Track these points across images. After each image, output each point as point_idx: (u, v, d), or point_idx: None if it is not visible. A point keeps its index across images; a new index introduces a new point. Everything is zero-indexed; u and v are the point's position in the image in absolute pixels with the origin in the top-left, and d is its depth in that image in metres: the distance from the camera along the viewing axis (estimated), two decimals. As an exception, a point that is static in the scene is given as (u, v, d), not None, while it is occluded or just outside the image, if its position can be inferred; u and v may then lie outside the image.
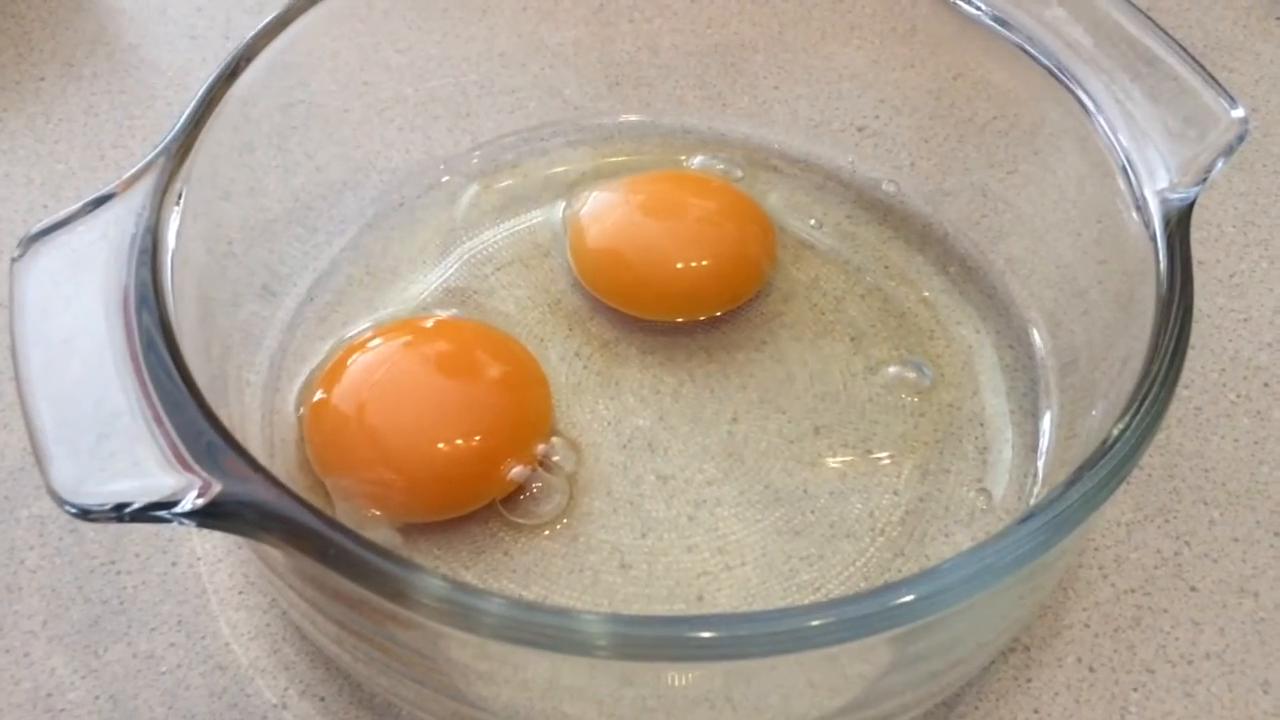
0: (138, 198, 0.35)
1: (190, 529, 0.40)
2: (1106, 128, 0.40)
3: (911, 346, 0.45)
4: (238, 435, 0.32)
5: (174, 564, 0.40)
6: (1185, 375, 0.45)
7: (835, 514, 0.41)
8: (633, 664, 0.30)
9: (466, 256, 0.48)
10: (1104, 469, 0.32)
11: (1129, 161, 0.39)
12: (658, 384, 0.44)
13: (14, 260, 0.34)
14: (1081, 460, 0.33)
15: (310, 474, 0.40)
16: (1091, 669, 0.39)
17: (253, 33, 0.41)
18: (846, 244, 0.49)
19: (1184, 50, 0.40)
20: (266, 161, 0.45)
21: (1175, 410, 0.45)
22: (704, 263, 0.45)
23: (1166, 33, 0.41)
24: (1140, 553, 0.42)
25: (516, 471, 0.40)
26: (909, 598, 0.29)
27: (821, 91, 0.52)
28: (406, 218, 0.49)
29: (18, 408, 0.32)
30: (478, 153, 0.51)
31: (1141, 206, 0.38)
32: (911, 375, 0.44)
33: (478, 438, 0.39)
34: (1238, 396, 0.46)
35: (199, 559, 0.41)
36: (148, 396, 0.31)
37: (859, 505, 0.41)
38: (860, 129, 0.52)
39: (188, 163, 0.37)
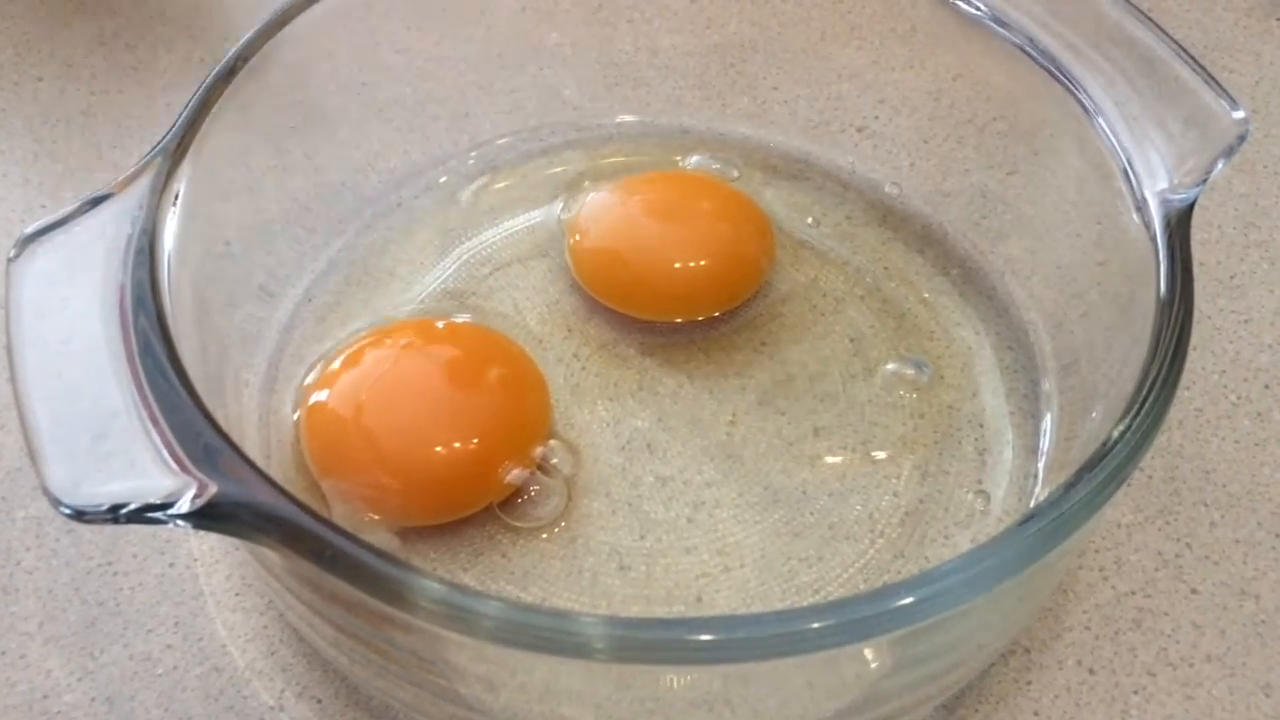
0: (134, 198, 0.35)
1: (187, 530, 0.40)
2: (1107, 128, 0.40)
3: (911, 347, 0.45)
4: (235, 436, 0.32)
5: (171, 565, 0.40)
6: (1186, 377, 0.45)
7: (835, 515, 0.41)
8: (631, 667, 0.30)
9: (464, 258, 0.47)
10: (1104, 471, 0.32)
11: (1129, 162, 0.39)
12: (656, 385, 0.44)
13: (10, 260, 0.34)
14: (1081, 462, 0.33)
15: (307, 476, 0.40)
16: (1092, 671, 0.39)
17: (250, 33, 0.41)
18: (846, 245, 0.49)
19: (1184, 51, 0.40)
20: (264, 162, 0.45)
21: (1176, 412, 0.45)
22: (703, 262, 0.45)
23: (1167, 33, 0.41)
24: (1141, 555, 0.42)
25: (514, 475, 0.39)
26: (908, 600, 0.29)
27: (821, 92, 0.52)
28: (404, 219, 0.49)
29: (14, 409, 0.32)
30: (475, 153, 0.51)
31: (1142, 207, 0.38)
32: (910, 372, 0.44)
33: (475, 441, 0.39)
34: (1238, 398, 0.46)
35: (196, 560, 0.40)
36: (144, 397, 0.31)
37: (858, 507, 0.41)
38: (860, 129, 0.52)
39: (185, 163, 0.37)
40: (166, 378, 0.31)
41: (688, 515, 0.40)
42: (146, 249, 0.34)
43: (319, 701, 0.38)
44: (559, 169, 0.51)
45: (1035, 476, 0.42)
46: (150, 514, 0.30)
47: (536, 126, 0.52)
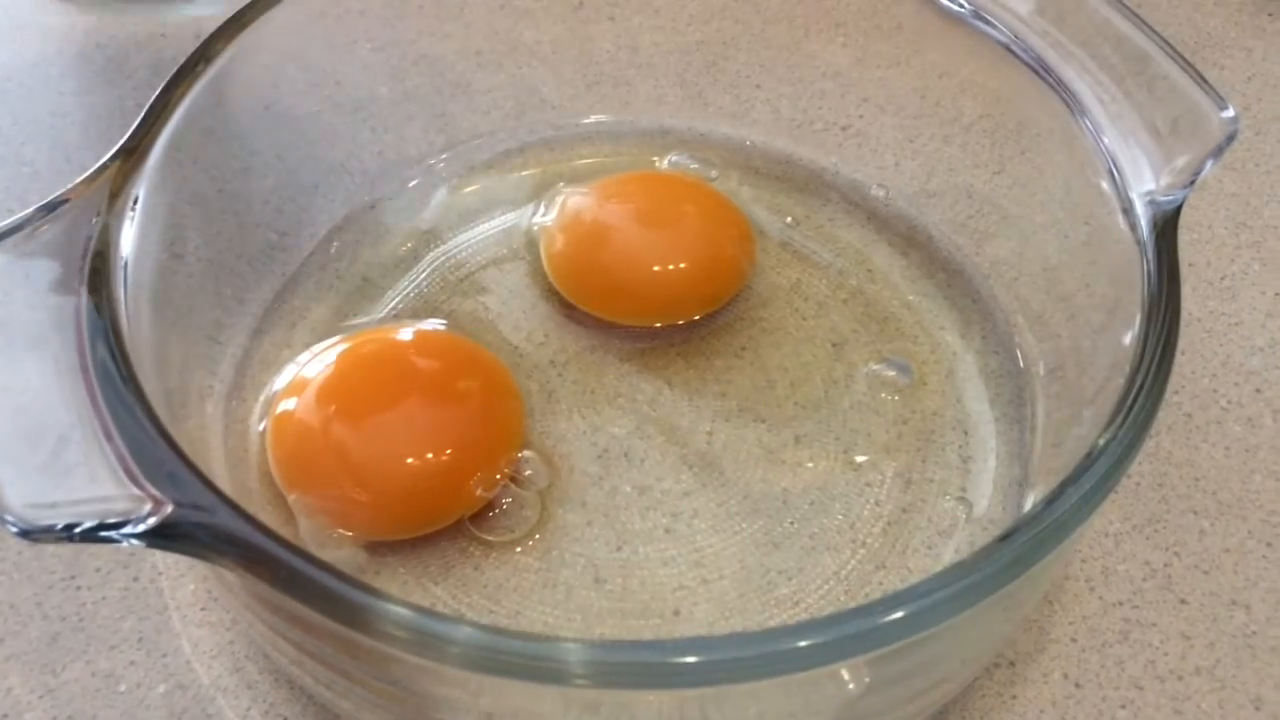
0: (93, 202, 0.34)
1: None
2: (1093, 128, 0.39)
3: (895, 351, 0.44)
4: (197, 448, 0.31)
5: (135, 579, 0.39)
6: (1175, 381, 0.44)
7: (815, 525, 0.40)
8: (608, 692, 0.29)
9: (438, 261, 0.46)
10: (1090, 481, 0.31)
11: (1115, 163, 0.38)
12: (634, 392, 0.43)
13: (-37, 268, 0.33)
14: (1068, 469, 0.32)
15: (273, 488, 0.39)
16: (1078, 685, 0.38)
17: (214, 29, 0.40)
18: (828, 247, 0.48)
19: (1173, 49, 0.39)
20: (234, 164, 0.44)
21: (1164, 417, 0.44)
22: (682, 266, 0.44)
23: (1155, 31, 0.40)
24: (1128, 564, 0.41)
25: (485, 488, 0.38)
26: (893, 617, 0.28)
27: (804, 90, 0.51)
28: (378, 220, 0.48)
29: (-36, 422, 0.31)
30: (451, 153, 0.50)
31: (1128, 209, 0.37)
32: (892, 374, 0.43)
33: (445, 453, 0.38)
34: (1229, 403, 0.45)
35: (161, 574, 0.39)
36: (99, 413, 0.30)
37: (840, 516, 0.40)
38: (844, 129, 0.51)
39: (145, 166, 0.36)
40: (120, 394, 0.30)
41: (665, 526, 0.40)
42: (101, 258, 0.33)
43: (285, 719, 0.37)
44: (535, 170, 0.50)
45: (1020, 484, 0.41)
46: (104, 533, 0.29)
47: (514, 126, 0.51)
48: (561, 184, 0.49)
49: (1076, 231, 0.42)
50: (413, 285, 0.46)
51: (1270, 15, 0.59)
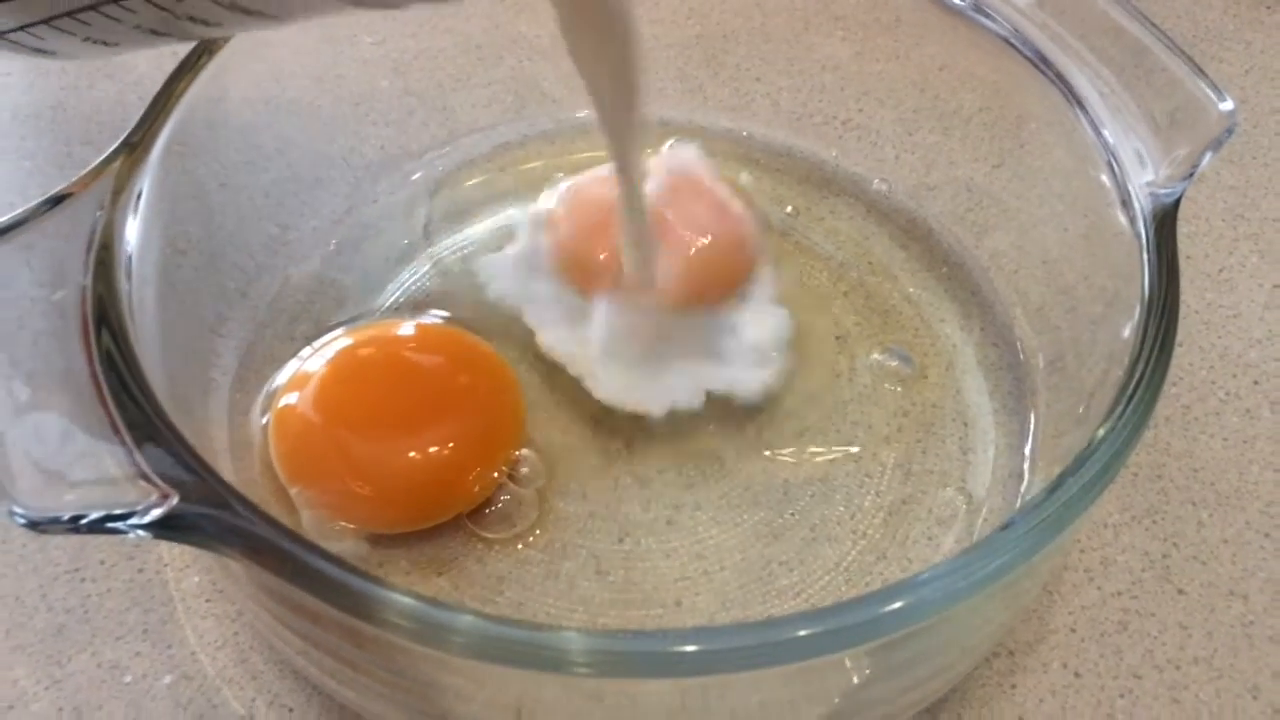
0: (95, 197, 0.34)
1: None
2: (1092, 121, 0.40)
3: (896, 343, 0.44)
4: (201, 440, 0.31)
5: (140, 571, 0.40)
6: (1173, 373, 0.45)
7: (816, 516, 0.40)
8: (610, 681, 0.29)
9: (440, 254, 0.47)
10: (1088, 472, 0.31)
11: (1114, 155, 0.39)
12: (636, 384, 0.43)
13: (-32, 262, 0.33)
14: (1067, 460, 0.32)
15: (275, 480, 0.39)
16: (1077, 674, 0.38)
17: (217, 26, 0.40)
18: (829, 240, 0.48)
19: (1172, 42, 0.39)
20: (237, 158, 0.44)
21: (1163, 408, 0.44)
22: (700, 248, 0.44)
23: (1154, 24, 0.40)
24: (1127, 555, 0.41)
25: (484, 485, 0.39)
26: (893, 607, 0.29)
27: (804, 84, 0.51)
28: (380, 214, 0.48)
29: (-29, 416, 0.31)
30: (451, 146, 0.50)
31: (1127, 201, 0.38)
32: (894, 364, 0.44)
33: (447, 448, 0.38)
34: (1227, 394, 0.45)
35: (166, 566, 0.40)
36: (104, 405, 0.30)
37: (840, 507, 0.40)
38: (844, 122, 0.51)
39: (148, 160, 0.36)
40: (126, 386, 0.30)
41: (667, 517, 0.40)
42: (105, 252, 0.33)
43: (290, 710, 0.37)
44: (536, 163, 0.50)
45: (1019, 475, 0.41)
46: (111, 524, 0.29)
47: (514, 119, 0.51)
48: (559, 174, 0.48)
49: (1076, 224, 0.42)
50: (414, 278, 0.46)
51: (1268, 8, 0.60)
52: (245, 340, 0.43)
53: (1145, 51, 0.40)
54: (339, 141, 0.48)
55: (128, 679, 0.37)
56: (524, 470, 0.40)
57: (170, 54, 0.55)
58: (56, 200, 0.34)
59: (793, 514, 0.40)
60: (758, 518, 0.40)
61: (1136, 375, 0.33)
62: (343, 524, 0.38)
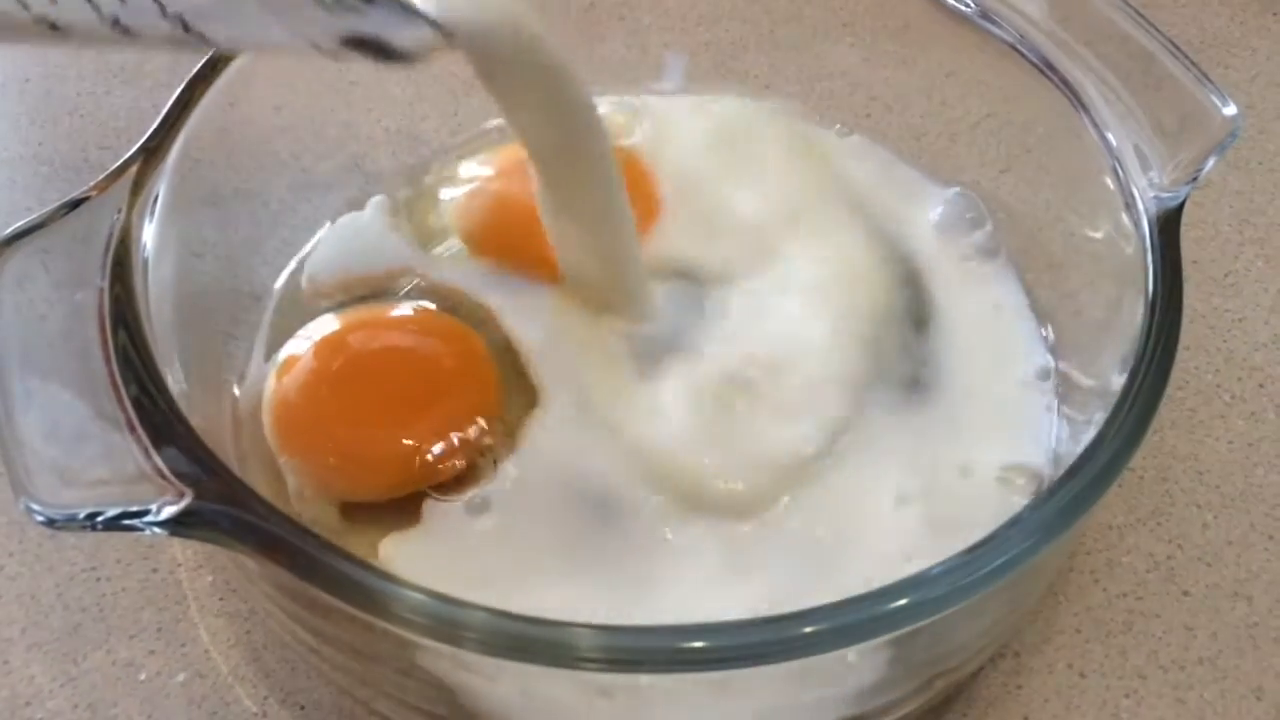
0: (112, 200, 0.35)
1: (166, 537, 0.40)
2: (1098, 126, 0.40)
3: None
4: (215, 438, 0.31)
5: (154, 570, 0.40)
6: (1179, 376, 0.45)
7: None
8: (620, 675, 0.30)
9: (451, 253, 0.47)
10: (1092, 474, 0.31)
11: (1119, 160, 0.39)
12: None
13: (-11, 264, 0.34)
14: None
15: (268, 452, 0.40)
16: (1082, 675, 0.39)
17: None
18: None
19: (1176, 47, 0.40)
20: (251, 163, 0.44)
21: (1169, 412, 0.45)
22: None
23: (1159, 29, 0.40)
24: (1132, 556, 0.41)
25: (448, 455, 0.39)
26: (894, 605, 0.29)
27: (812, 90, 0.51)
28: (392, 217, 0.48)
29: (-10, 415, 0.32)
30: (463, 151, 0.50)
31: (1131, 205, 0.38)
32: None
33: (407, 423, 0.39)
34: (1232, 398, 0.45)
35: (180, 565, 0.40)
36: (121, 404, 0.31)
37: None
38: (851, 128, 0.51)
39: (164, 165, 0.37)
40: (142, 384, 0.31)
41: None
42: (123, 252, 0.34)
43: (302, 708, 0.37)
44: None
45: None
46: (127, 521, 0.29)
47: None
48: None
49: (1081, 228, 0.43)
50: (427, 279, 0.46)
51: (1275, 15, 0.60)
52: (259, 342, 0.44)
53: (1150, 57, 0.40)
54: (350, 147, 0.49)
55: (142, 676, 0.38)
56: (486, 441, 0.39)
57: (186, 61, 0.56)
58: (74, 204, 0.35)
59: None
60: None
61: (1140, 378, 0.33)
62: (321, 492, 0.39)
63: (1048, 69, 0.42)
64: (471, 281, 0.44)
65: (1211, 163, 0.38)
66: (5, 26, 0.29)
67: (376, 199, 0.47)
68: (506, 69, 0.35)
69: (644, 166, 0.46)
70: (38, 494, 0.30)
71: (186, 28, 0.29)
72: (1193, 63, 0.39)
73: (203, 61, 0.39)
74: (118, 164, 0.36)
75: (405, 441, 0.38)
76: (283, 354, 0.42)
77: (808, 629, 0.28)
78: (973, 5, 0.44)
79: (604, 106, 0.48)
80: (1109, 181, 0.39)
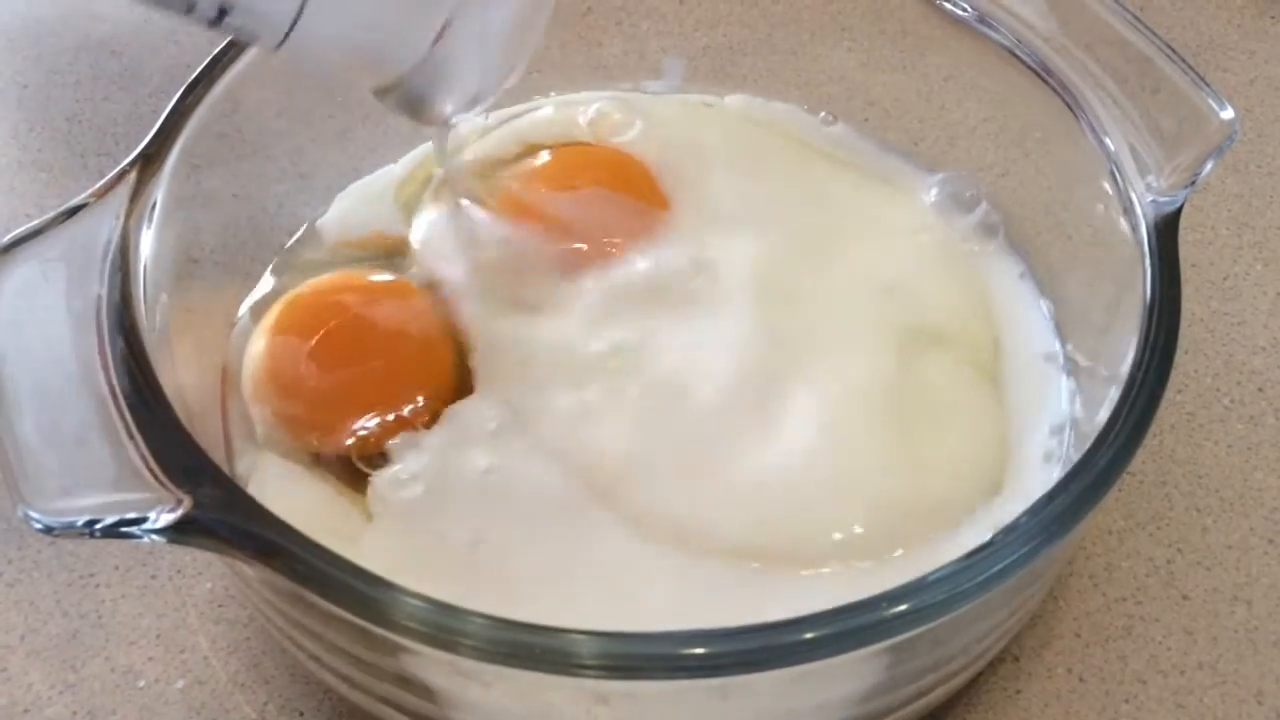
0: (111, 206, 0.35)
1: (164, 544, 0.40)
2: (1095, 130, 0.40)
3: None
4: (213, 444, 0.31)
5: (153, 577, 0.40)
6: (1178, 380, 0.45)
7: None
8: (618, 682, 0.30)
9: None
10: (1090, 478, 0.31)
11: (1117, 163, 0.39)
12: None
13: (-13, 271, 0.34)
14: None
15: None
16: (1082, 679, 0.39)
17: (230, 37, 0.41)
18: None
19: (1174, 51, 0.40)
20: (249, 169, 0.44)
21: (1167, 415, 0.45)
22: None
23: (1156, 33, 0.40)
24: (1132, 561, 0.41)
25: (377, 424, 0.39)
26: (893, 611, 0.29)
27: (810, 95, 0.51)
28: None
29: (-11, 422, 0.32)
30: (462, 158, 0.50)
31: (1129, 209, 0.38)
32: None
33: (349, 380, 0.40)
34: (1231, 401, 0.45)
35: (179, 572, 0.40)
36: (119, 411, 0.31)
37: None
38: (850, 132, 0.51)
39: (163, 170, 0.37)
40: (140, 392, 0.31)
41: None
42: (120, 259, 0.34)
43: (301, 714, 0.37)
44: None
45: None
46: (125, 529, 0.29)
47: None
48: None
49: (1079, 232, 0.43)
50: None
51: (1272, 18, 0.60)
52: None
53: (1148, 62, 0.40)
54: (349, 152, 0.49)
55: (141, 684, 0.38)
56: (425, 418, 0.39)
57: (184, 66, 0.56)
58: (73, 210, 0.35)
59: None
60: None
61: (1139, 382, 0.33)
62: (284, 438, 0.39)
63: (1045, 73, 0.42)
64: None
65: (1210, 166, 0.38)
66: None
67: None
68: None
69: (644, 166, 0.47)
70: (36, 501, 0.30)
71: None
72: (1190, 66, 0.39)
73: (201, 67, 0.39)
74: (116, 170, 0.36)
75: (346, 405, 0.39)
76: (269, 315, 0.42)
77: (806, 635, 0.28)
78: (970, 9, 0.44)
79: (598, 102, 0.49)
80: (1107, 185, 0.39)
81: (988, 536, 0.31)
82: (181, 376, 0.36)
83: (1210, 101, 0.38)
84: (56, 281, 0.34)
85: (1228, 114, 0.38)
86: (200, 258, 0.41)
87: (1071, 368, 0.42)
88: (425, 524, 0.37)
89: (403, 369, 0.41)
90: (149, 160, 0.36)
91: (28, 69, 0.56)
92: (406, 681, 0.32)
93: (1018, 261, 0.45)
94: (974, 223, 0.45)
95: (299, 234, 0.46)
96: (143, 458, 0.30)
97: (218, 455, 0.38)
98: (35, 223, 0.35)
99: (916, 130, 0.50)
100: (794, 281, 0.43)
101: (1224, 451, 0.44)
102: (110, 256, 0.34)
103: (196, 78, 0.39)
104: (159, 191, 0.36)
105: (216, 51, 0.40)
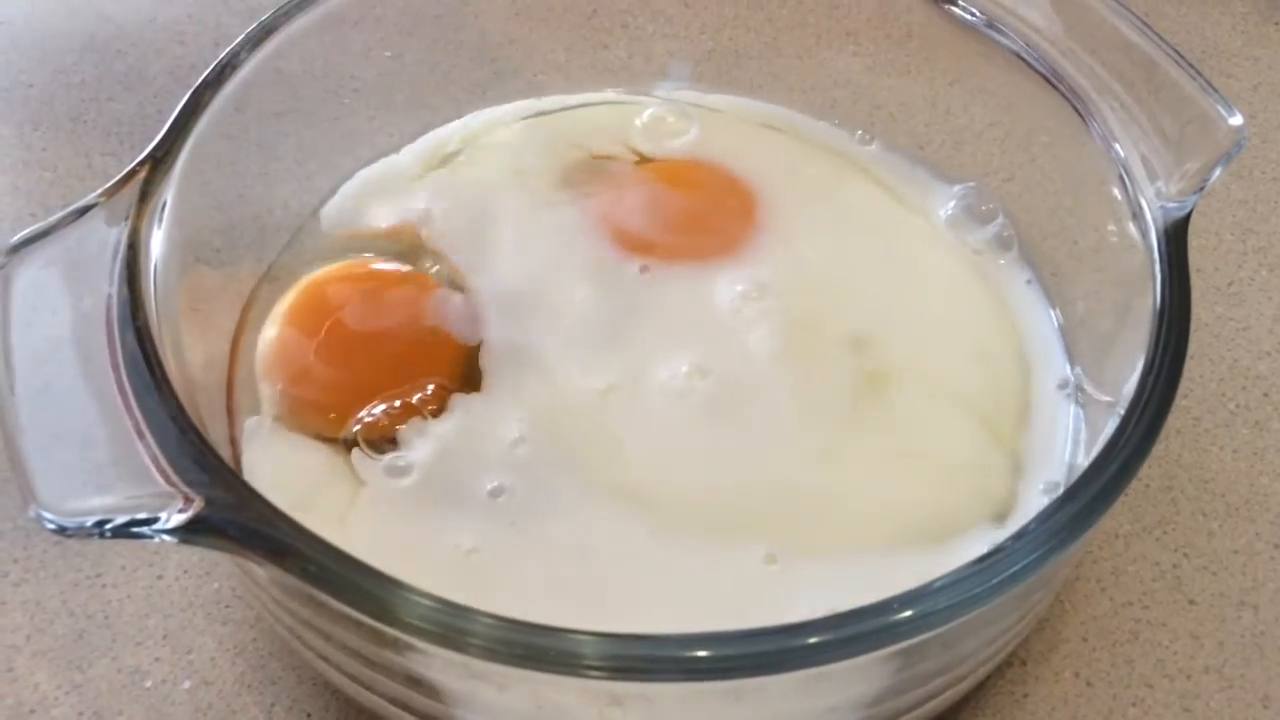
0: (120, 207, 0.35)
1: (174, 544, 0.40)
2: (1103, 135, 0.40)
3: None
4: (221, 444, 0.31)
5: (160, 577, 0.40)
6: (1184, 385, 0.44)
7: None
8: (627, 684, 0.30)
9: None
10: (1099, 484, 0.31)
11: (1125, 169, 0.39)
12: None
13: (-4, 270, 0.34)
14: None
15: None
16: (1089, 684, 0.39)
17: (239, 39, 0.41)
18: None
19: (1181, 57, 0.40)
20: (255, 169, 0.44)
21: (1174, 421, 0.45)
22: None
23: (1163, 39, 0.40)
24: (1138, 565, 0.41)
25: (383, 413, 0.39)
26: (900, 616, 0.29)
27: (816, 99, 0.51)
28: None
29: (-1, 421, 0.31)
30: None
31: (1138, 215, 0.38)
32: None
33: (353, 367, 0.40)
34: (1237, 406, 0.46)
35: (186, 573, 0.40)
36: (129, 411, 0.31)
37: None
38: (856, 136, 0.51)
39: (173, 171, 0.37)
40: (150, 391, 0.31)
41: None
42: (130, 259, 0.34)
43: (308, 715, 0.37)
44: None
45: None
46: (136, 529, 0.29)
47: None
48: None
49: (1087, 238, 0.43)
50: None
51: (1276, 24, 0.60)
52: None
53: (1155, 67, 0.40)
54: (354, 154, 0.49)
55: (148, 684, 0.38)
56: (430, 408, 0.39)
57: (190, 67, 0.56)
58: (82, 211, 0.35)
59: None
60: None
61: (1149, 386, 0.33)
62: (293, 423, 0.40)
63: (1053, 78, 0.42)
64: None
65: (1218, 172, 0.38)
66: None
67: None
68: None
69: (732, 174, 0.47)
70: (47, 501, 0.30)
71: None
72: (1198, 72, 0.39)
73: (210, 68, 0.39)
74: (125, 170, 0.36)
75: (356, 391, 0.40)
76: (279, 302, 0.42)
77: (814, 639, 0.28)
78: (978, 14, 0.44)
79: (653, 106, 0.50)
80: (1115, 191, 0.39)
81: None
82: (190, 371, 0.35)
83: (1219, 107, 0.38)
84: (66, 281, 0.34)
85: (1236, 120, 0.38)
86: (208, 257, 0.41)
87: (1080, 396, 0.42)
88: (419, 517, 0.37)
89: (410, 356, 0.41)
90: (158, 161, 0.36)
91: (33, 69, 0.56)
92: (415, 681, 0.32)
93: (1027, 270, 0.45)
94: (989, 235, 0.45)
95: (305, 228, 0.46)
96: (153, 458, 0.30)
97: (221, 436, 0.39)
98: (44, 223, 0.34)
99: (922, 134, 0.50)
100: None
101: (1230, 456, 0.44)
102: (120, 256, 0.34)
103: (204, 79, 0.39)
104: (169, 192, 0.36)
105: (224, 54, 0.40)
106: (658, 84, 0.52)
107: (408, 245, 0.45)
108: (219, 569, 0.40)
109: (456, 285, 0.43)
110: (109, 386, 0.31)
